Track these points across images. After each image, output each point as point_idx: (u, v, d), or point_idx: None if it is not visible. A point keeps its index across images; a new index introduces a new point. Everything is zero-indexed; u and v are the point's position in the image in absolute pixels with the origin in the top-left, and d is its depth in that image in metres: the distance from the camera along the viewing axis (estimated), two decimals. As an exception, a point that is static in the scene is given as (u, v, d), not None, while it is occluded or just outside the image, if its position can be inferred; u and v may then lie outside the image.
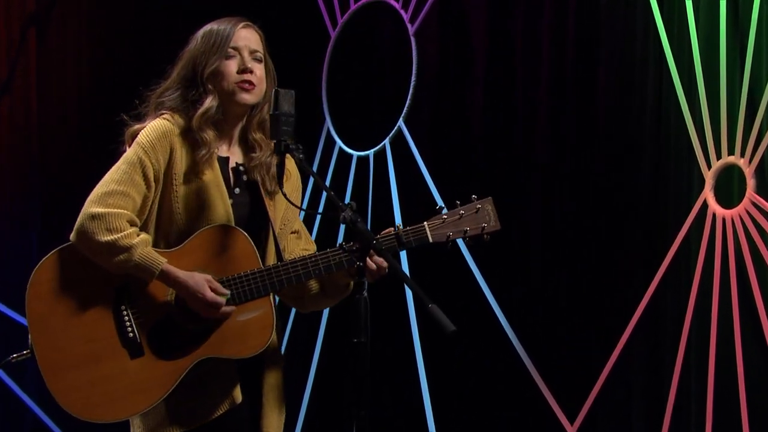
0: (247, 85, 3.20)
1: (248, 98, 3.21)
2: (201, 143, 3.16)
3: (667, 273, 4.51)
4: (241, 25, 3.26)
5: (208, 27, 3.28)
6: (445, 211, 3.25)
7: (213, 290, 3.06)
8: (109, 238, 3.01)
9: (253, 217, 3.24)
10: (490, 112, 5.20)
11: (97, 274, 3.08)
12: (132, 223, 3.08)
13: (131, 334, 3.06)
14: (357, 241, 2.94)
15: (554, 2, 4.98)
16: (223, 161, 3.24)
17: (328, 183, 5.75)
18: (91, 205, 3.06)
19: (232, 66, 3.20)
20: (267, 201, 3.25)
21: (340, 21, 5.89)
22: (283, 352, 3.35)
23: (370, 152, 5.69)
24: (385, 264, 3.09)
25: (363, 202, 5.57)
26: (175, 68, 3.27)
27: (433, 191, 5.35)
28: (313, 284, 3.32)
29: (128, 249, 3.03)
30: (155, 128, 3.15)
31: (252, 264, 3.14)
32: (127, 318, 3.07)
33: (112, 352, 3.05)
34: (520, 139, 5.08)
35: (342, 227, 5.50)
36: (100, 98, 6.29)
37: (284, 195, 3.10)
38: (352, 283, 3.25)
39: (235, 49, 3.21)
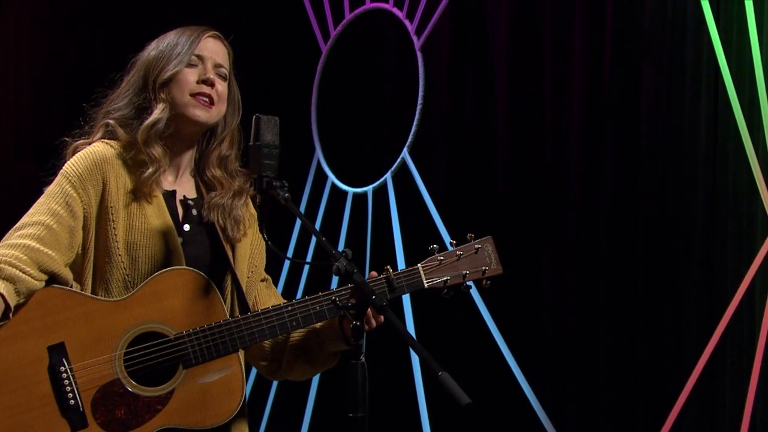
0: (203, 100, 3.21)
1: (201, 115, 3.21)
2: (147, 161, 3.17)
3: (727, 331, 4.52)
4: (210, 33, 3.29)
5: (169, 33, 3.30)
6: (439, 250, 3.27)
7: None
8: None
9: (210, 261, 3.23)
10: (512, 141, 5.23)
11: (27, 327, 3.06)
12: (40, 267, 3.05)
13: (72, 401, 3.04)
14: (353, 296, 2.95)
15: (587, 10, 5.03)
16: (169, 195, 3.25)
17: (318, 226, 5.77)
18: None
19: (190, 75, 3.22)
20: (226, 245, 3.28)
21: (333, 33, 5.94)
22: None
23: (369, 188, 5.71)
24: (379, 320, 3.11)
25: (360, 248, 5.58)
26: (126, 76, 3.30)
27: (443, 235, 5.36)
28: (294, 347, 3.31)
29: None
30: (85, 157, 3.15)
31: (217, 315, 3.14)
32: (66, 381, 3.05)
33: (48, 424, 3.04)
34: (549, 172, 5.10)
35: (335, 279, 5.51)
36: (40, 116, 6.40)
37: (268, 244, 3.10)
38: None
39: (199, 57, 3.24)
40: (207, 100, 3.23)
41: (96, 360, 3.10)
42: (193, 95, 3.22)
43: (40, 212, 3.12)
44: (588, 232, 4.97)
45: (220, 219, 3.27)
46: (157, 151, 3.20)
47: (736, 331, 4.53)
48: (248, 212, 3.32)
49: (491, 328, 5.19)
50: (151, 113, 3.21)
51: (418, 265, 3.27)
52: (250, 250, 3.34)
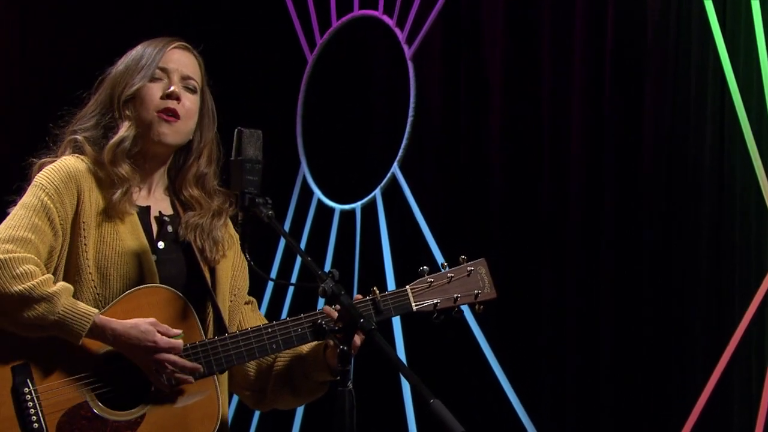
0: (167, 116, 3.19)
1: (166, 133, 3.19)
2: (116, 181, 3.16)
3: (734, 359, 4.52)
4: (175, 44, 3.28)
5: (136, 47, 3.30)
6: (429, 272, 3.27)
7: (163, 334, 3.05)
8: (19, 287, 2.98)
9: (186, 280, 3.23)
10: (508, 155, 5.23)
11: None
12: (42, 271, 3.06)
13: (36, 425, 3.02)
14: (340, 319, 2.95)
15: (587, 22, 5.03)
16: (143, 211, 3.24)
17: (303, 245, 5.77)
18: None
19: (155, 90, 3.21)
20: (203, 266, 3.29)
21: (320, 41, 5.95)
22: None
23: (357, 205, 5.71)
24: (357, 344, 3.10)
25: (348, 268, 5.57)
26: (93, 95, 3.29)
27: (435, 254, 5.36)
28: (279, 375, 3.30)
29: (48, 298, 2.99)
30: (59, 168, 3.15)
31: (193, 336, 3.13)
32: (30, 404, 3.03)
33: None
34: (547, 188, 5.11)
35: (321, 301, 5.50)
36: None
37: (251, 264, 3.09)
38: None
39: (164, 70, 3.23)
40: (171, 115, 3.21)
41: (62, 381, 3.09)
42: (159, 111, 3.21)
43: (22, 226, 3.09)
44: (589, 252, 4.96)
45: (198, 240, 3.26)
46: (124, 170, 3.18)
47: (743, 356, 4.54)
48: (228, 233, 3.32)
49: (486, 352, 5.19)
50: (117, 132, 3.21)
51: (407, 287, 3.27)
52: (231, 273, 3.33)
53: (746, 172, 4.54)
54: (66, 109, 3.32)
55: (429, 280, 3.28)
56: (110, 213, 3.18)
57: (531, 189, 5.16)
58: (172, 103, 3.22)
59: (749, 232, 4.55)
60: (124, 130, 3.20)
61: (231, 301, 3.32)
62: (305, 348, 3.27)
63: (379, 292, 3.23)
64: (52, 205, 3.12)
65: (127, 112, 3.22)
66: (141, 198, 3.26)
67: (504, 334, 5.14)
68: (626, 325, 4.82)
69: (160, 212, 3.28)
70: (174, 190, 3.33)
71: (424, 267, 3.27)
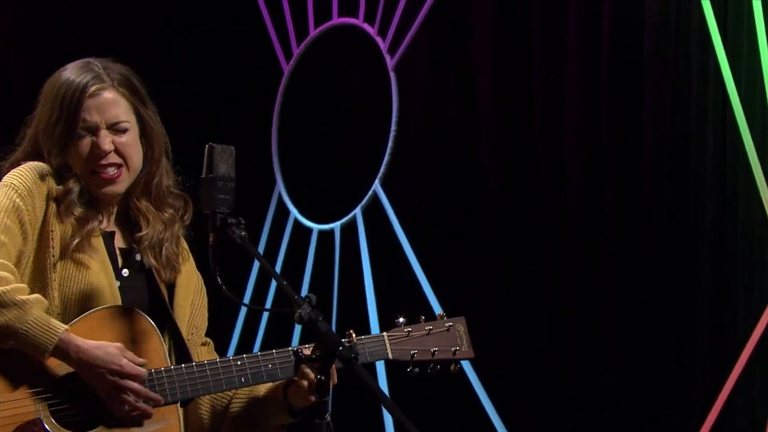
0: (106, 174, 3.18)
1: (113, 189, 3.20)
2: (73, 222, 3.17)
3: (737, 387, 4.54)
4: (91, 90, 3.21)
5: (56, 85, 3.24)
6: (407, 323, 3.33)
7: (129, 360, 3.04)
8: None
9: (148, 307, 3.23)
10: (499, 173, 5.23)
11: None
12: (16, 279, 3.06)
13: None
14: (317, 348, 2.95)
15: (581, 32, 5.05)
16: (108, 236, 3.25)
17: (279, 268, 5.76)
18: None
19: (83, 150, 3.18)
20: (162, 287, 3.27)
21: (296, 51, 5.96)
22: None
23: (336, 225, 5.71)
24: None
25: (326, 292, 5.57)
26: (25, 135, 3.28)
27: (419, 278, 5.36)
28: (236, 419, 3.29)
29: (19, 305, 2.99)
30: (32, 169, 3.15)
31: (156, 360, 3.13)
32: None
33: None
34: (542, 209, 5.11)
35: (297, 328, 5.51)
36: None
37: (223, 289, 3.09)
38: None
39: (86, 128, 3.19)
40: (112, 171, 3.20)
41: (17, 394, 3.07)
42: (93, 174, 3.20)
43: None
44: (589, 257, 4.98)
45: (152, 259, 3.27)
46: (77, 212, 3.20)
47: (747, 385, 4.56)
48: (181, 247, 3.32)
49: (473, 383, 5.20)
50: (64, 180, 3.19)
51: (384, 333, 3.31)
52: (190, 311, 3.34)
53: (750, 194, 4.58)
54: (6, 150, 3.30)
55: (407, 329, 3.33)
56: (76, 230, 3.18)
57: (523, 209, 5.16)
58: (103, 160, 3.19)
59: (752, 257, 4.58)
60: (69, 183, 3.20)
61: (188, 340, 3.32)
62: (262, 389, 3.27)
63: (356, 336, 3.25)
64: (24, 207, 3.13)
65: (64, 172, 3.21)
66: (104, 222, 3.27)
67: (492, 361, 5.13)
68: (626, 326, 4.84)
69: (126, 240, 3.29)
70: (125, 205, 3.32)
71: (402, 318, 3.32)
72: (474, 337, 3.42)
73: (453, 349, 3.36)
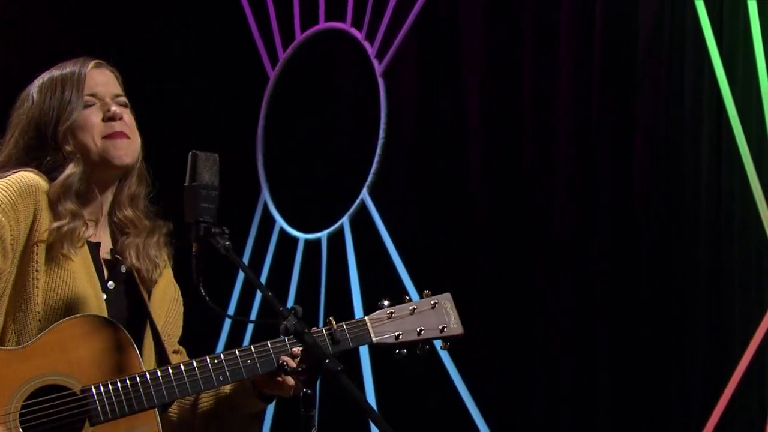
0: (119, 138, 3.20)
1: (122, 155, 3.21)
2: (62, 217, 3.15)
3: (734, 399, 4.54)
4: (92, 64, 3.27)
5: (44, 77, 3.29)
6: (391, 304, 3.29)
7: None
8: None
9: (130, 317, 3.24)
10: (490, 182, 5.24)
11: None
12: None
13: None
14: (303, 360, 2.95)
15: (573, 38, 5.06)
16: (93, 247, 3.25)
17: (264, 279, 5.75)
18: None
19: (94, 116, 3.22)
20: (143, 291, 3.27)
21: (282, 56, 5.96)
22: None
23: (323, 234, 5.71)
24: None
25: (313, 303, 5.57)
26: (6, 141, 3.27)
27: (408, 288, 5.36)
28: (204, 415, 3.30)
29: None
30: (17, 182, 3.14)
31: (132, 368, 3.13)
32: None
33: None
34: (534, 218, 5.12)
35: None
36: None
37: (206, 299, 3.10)
38: (263, 409, 3.25)
39: (93, 95, 3.24)
40: (121, 135, 3.21)
41: None
42: (107, 137, 3.21)
43: None
44: (582, 280, 4.98)
45: (135, 261, 3.28)
46: (67, 207, 3.19)
47: (743, 399, 4.57)
48: (162, 254, 3.32)
49: (463, 395, 5.20)
50: (62, 170, 3.19)
51: (365, 317, 3.29)
52: (164, 318, 3.34)
53: (745, 200, 4.59)
54: None
55: (389, 311, 3.29)
56: (62, 246, 3.18)
57: (514, 216, 5.17)
58: (117, 125, 3.22)
59: (749, 270, 4.60)
60: (71, 167, 3.20)
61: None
62: (227, 387, 3.27)
63: (336, 323, 3.23)
64: (6, 223, 3.12)
65: (68, 148, 3.21)
66: (90, 231, 3.27)
67: (481, 373, 5.14)
68: (623, 370, 4.84)
69: (111, 251, 3.29)
70: (110, 213, 3.33)
71: (385, 301, 3.29)
72: (465, 342, 3.39)
73: (440, 326, 3.31)
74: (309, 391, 2.90)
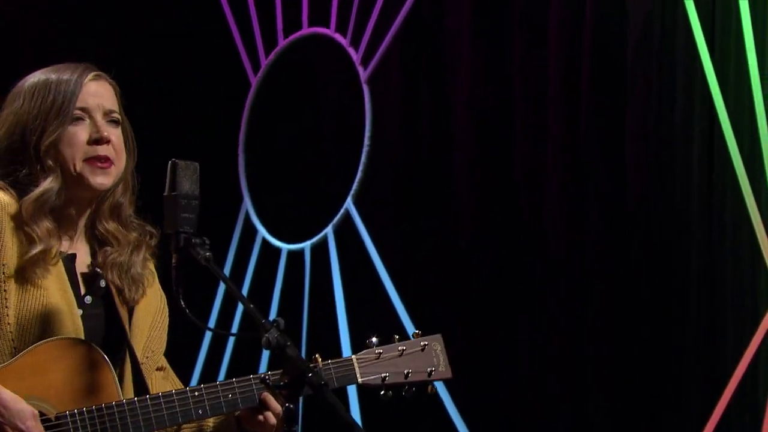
0: (101, 163, 3.15)
1: (104, 181, 3.16)
2: (35, 238, 3.10)
3: (728, 410, 4.55)
4: (90, 75, 3.21)
5: (40, 77, 3.22)
6: (379, 344, 3.28)
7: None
8: None
9: (105, 331, 3.21)
10: (477, 190, 5.24)
11: None
12: None
13: None
14: (285, 374, 2.94)
15: (562, 46, 5.06)
16: (69, 260, 3.20)
17: (246, 291, 5.74)
18: None
19: (81, 134, 3.15)
20: (123, 314, 3.27)
21: (264, 62, 5.96)
22: None
23: (306, 244, 5.70)
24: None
25: (295, 316, 5.56)
26: None
27: (393, 300, 5.36)
28: None
29: None
30: None
31: (109, 395, 3.10)
32: None
33: None
34: (523, 227, 5.12)
35: (265, 353, 5.49)
36: None
37: (186, 312, 3.07)
38: None
39: (84, 110, 3.17)
40: (104, 161, 3.16)
41: None
42: (88, 160, 3.16)
43: None
44: (570, 302, 4.98)
45: (116, 279, 3.25)
46: (42, 228, 3.13)
47: (738, 407, 4.59)
48: (148, 269, 3.30)
49: (448, 407, 5.20)
50: (38, 184, 3.17)
51: (353, 356, 3.26)
52: (148, 333, 3.32)
53: (738, 216, 4.62)
54: None
55: (377, 351, 3.28)
56: (33, 264, 3.15)
57: (503, 228, 5.17)
58: (102, 149, 3.17)
59: (742, 268, 4.62)
60: (48, 182, 3.15)
61: (142, 364, 3.30)
62: (210, 422, 3.25)
63: (322, 360, 3.21)
64: None
65: (48, 162, 3.17)
66: (65, 243, 3.24)
67: (470, 391, 5.14)
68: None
69: (89, 264, 3.25)
70: (90, 226, 3.30)
71: (373, 338, 3.27)
72: (450, 356, 3.40)
73: (428, 369, 3.31)
74: (291, 407, 2.89)
